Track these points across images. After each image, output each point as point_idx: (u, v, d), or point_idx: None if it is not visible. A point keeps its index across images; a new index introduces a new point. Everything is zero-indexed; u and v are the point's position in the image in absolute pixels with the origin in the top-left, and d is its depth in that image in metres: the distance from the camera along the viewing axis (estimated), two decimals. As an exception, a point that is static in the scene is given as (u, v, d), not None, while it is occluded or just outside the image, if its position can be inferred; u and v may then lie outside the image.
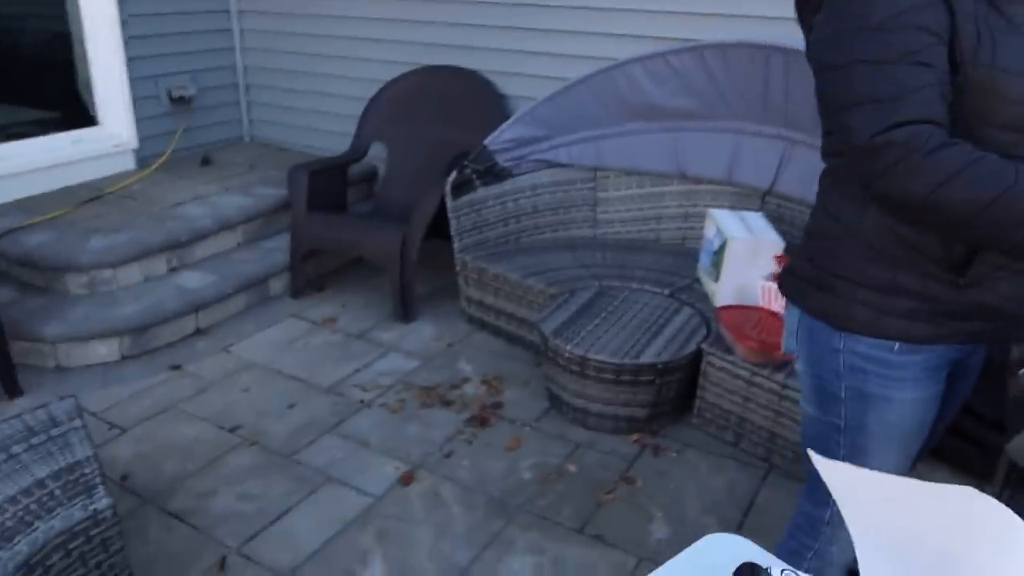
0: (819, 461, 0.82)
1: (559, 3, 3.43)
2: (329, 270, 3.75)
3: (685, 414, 2.69)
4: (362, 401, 2.80)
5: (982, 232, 1.04)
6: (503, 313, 3.12)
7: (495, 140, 3.17)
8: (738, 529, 2.21)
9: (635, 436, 2.61)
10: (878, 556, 0.84)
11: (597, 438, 2.61)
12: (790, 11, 1.32)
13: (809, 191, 2.87)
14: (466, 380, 2.93)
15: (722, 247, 2.73)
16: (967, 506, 0.71)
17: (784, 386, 2.36)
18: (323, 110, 4.31)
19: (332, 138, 4.16)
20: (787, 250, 2.01)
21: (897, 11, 1.04)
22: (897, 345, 1.21)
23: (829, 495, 0.98)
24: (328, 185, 3.58)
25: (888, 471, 0.78)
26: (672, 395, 2.61)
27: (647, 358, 2.48)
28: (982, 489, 0.70)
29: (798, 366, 1.38)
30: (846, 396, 1.28)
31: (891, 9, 1.04)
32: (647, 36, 3.20)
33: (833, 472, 0.82)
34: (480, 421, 2.69)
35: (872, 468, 1.06)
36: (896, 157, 1.02)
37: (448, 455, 2.52)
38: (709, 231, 2.88)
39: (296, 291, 3.53)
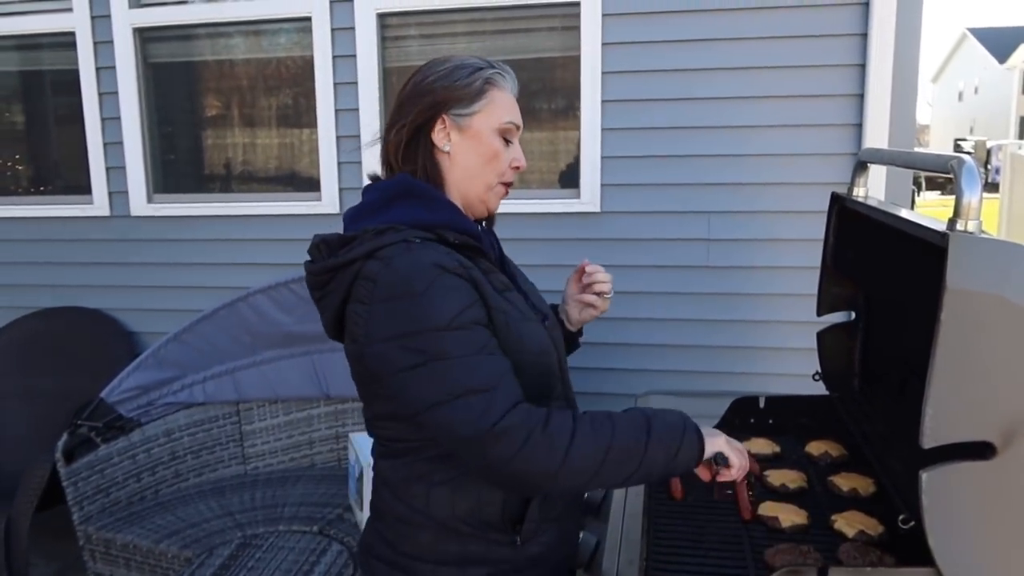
0: None
1: (179, 236, 3.34)
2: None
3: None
4: None
5: (611, 473, 1.11)
6: (138, 586, 2.76)
7: (115, 390, 2.90)
8: None
9: None
10: None
11: None
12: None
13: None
14: None
15: (360, 475, 2.67)
16: None
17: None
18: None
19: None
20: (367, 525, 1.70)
21: (456, 311, 1.11)
22: None
23: None
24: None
25: None
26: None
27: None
28: None
29: None
30: None
31: (450, 310, 1.11)
32: (271, 264, 3.21)
33: None
34: None
35: None
36: (522, 438, 1.07)
37: None
38: (351, 457, 2.82)
39: None
